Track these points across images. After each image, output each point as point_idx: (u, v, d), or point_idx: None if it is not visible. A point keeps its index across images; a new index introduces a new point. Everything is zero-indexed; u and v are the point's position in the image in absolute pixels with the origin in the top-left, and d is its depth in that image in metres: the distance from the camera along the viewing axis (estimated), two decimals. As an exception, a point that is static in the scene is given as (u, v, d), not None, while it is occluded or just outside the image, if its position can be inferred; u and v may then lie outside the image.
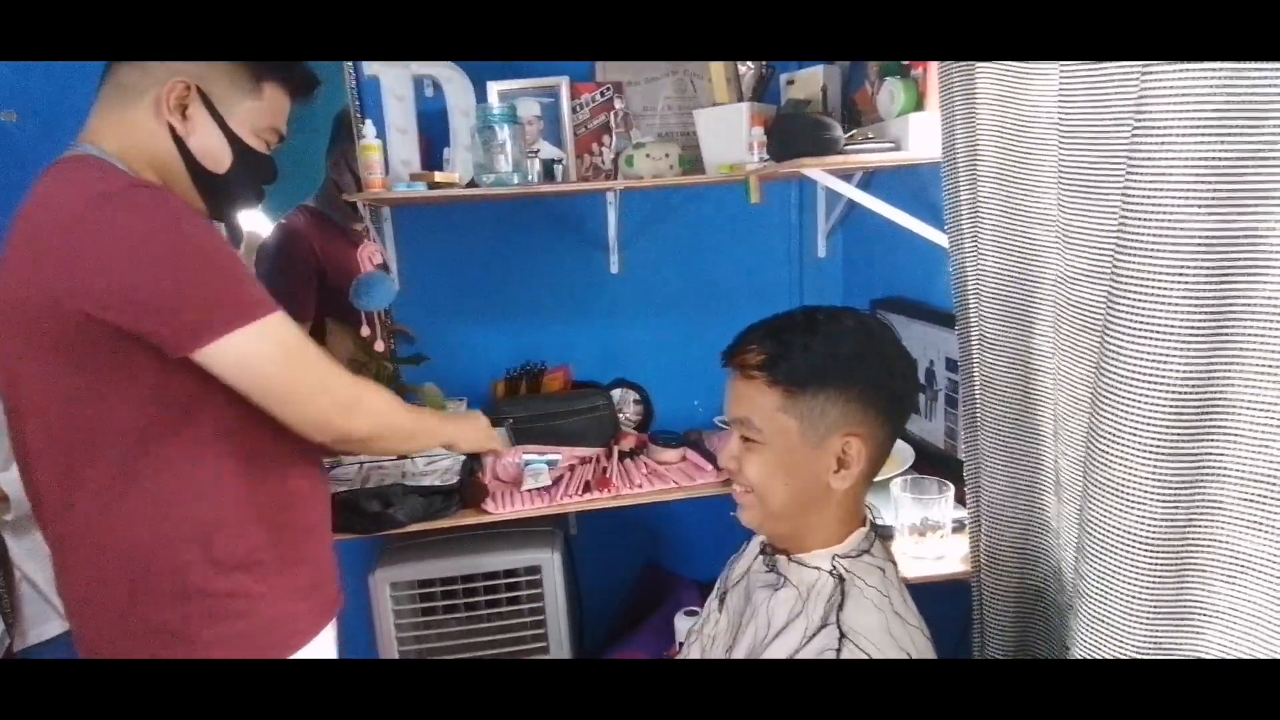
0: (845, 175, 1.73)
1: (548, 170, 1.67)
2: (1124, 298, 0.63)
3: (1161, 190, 0.59)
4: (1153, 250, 0.60)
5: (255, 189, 0.97)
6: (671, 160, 1.70)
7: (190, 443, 0.83)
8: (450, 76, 1.62)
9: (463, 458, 1.65)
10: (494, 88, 1.70)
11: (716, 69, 1.66)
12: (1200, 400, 0.62)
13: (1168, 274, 0.60)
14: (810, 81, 1.65)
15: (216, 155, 0.88)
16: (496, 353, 1.90)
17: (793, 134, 1.26)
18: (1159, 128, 0.58)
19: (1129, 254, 0.62)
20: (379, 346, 1.62)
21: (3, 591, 1.12)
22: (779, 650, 0.76)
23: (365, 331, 1.56)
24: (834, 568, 0.78)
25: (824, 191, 1.90)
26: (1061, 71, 0.78)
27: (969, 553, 1.04)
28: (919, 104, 1.31)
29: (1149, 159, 0.59)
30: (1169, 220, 0.59)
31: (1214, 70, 0.55)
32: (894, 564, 0.83)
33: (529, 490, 1.54)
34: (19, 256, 0.79)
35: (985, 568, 0.99)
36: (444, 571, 1.59)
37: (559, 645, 1.64)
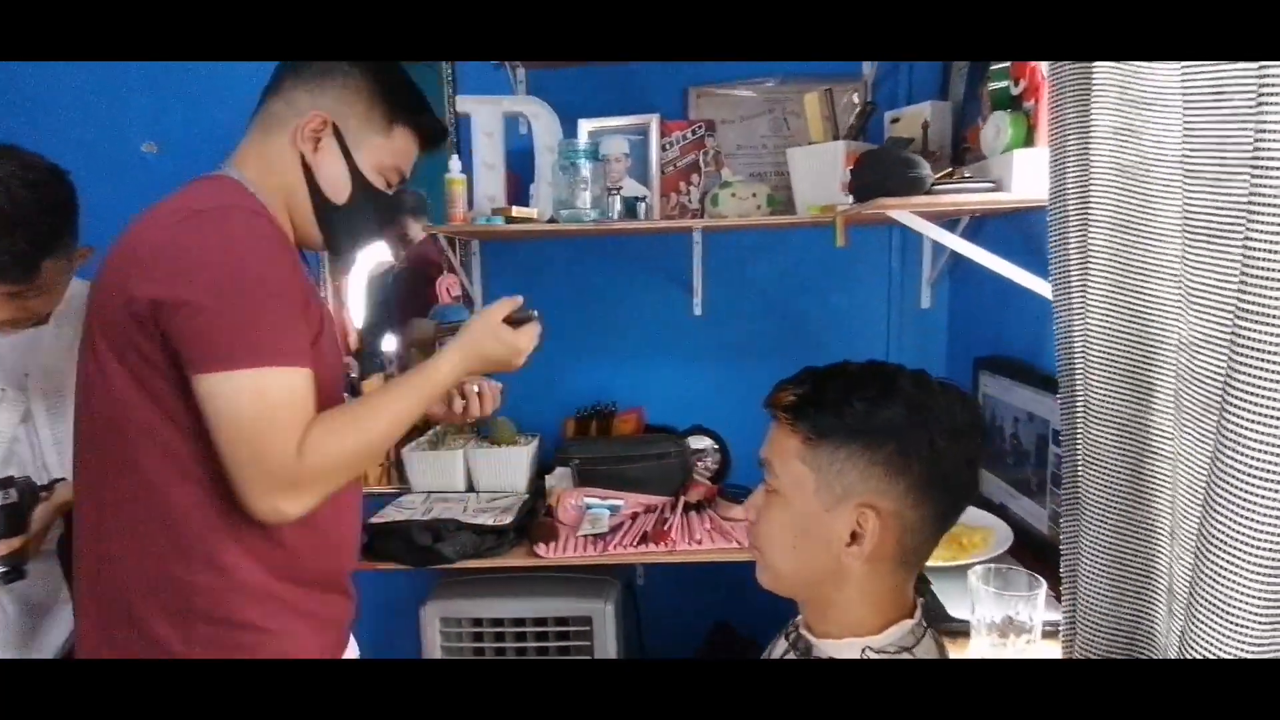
0: (950, 219, 1.59)
1: (630, 208, 1.64)
2: (1242, 373, 0.50)
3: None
4: (1274, 315, 0.47)
5: (371, 225, 0.99)
6: (759, 200, 1.63)
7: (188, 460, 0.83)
8: (538, 113, 1.64)
9: (525, 497, 1.62)
10: (585, 126, 1.70)
11: (812, 106, 1.58)
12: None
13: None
14: (914, 119, 1.53)
15: (338, 186, 0.93)
16: (571, 390, 1.87)
17: (876, 172, 1.15)
18: (1277, 165, 0.45)
19: (1248, 319, 0.49)
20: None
21: None
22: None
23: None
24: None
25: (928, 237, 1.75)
26: (1185, 100, 0.65)
27: (1061, 665, 0.88)
28: (1029, 139, 1.17)
29: (1268, 204, 0.47)
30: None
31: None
32: (947, 672, 0.69)
33: (583, 535, 1.48)
34: (112, 258, 0.85)
35: (1079, 687, 0.82)
36: (494, 611, 1.55)
37: (609, 701, 1.55)
